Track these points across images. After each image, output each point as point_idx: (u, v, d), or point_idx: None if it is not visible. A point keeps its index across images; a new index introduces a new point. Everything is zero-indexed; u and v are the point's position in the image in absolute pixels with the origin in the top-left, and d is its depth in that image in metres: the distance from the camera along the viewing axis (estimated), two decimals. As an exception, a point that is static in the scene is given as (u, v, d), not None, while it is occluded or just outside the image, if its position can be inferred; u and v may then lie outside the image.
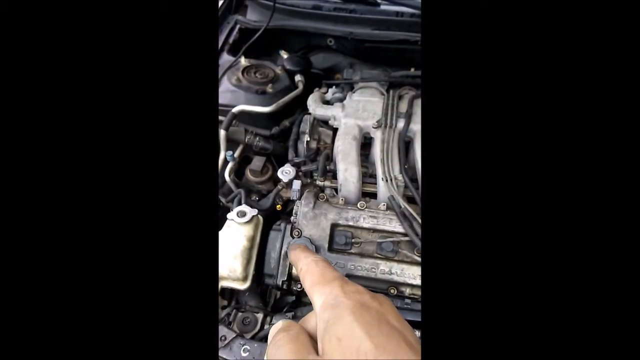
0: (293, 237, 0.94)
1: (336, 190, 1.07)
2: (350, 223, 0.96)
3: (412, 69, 1.33)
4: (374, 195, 1.05)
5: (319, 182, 1.09)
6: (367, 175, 1.09)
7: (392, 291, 0.91)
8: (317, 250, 0.92)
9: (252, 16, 1.50)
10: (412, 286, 0.90)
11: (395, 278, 0.90)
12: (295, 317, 0.84)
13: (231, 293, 0.98)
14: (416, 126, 1.08)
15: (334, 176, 1.08)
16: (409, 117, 1.08)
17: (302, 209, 0.98)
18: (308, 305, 0.94)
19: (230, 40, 1.42)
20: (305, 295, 0.98)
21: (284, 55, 1.40)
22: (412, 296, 0.92)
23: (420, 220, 0.90)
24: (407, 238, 0.91)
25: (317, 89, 1.30)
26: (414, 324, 0.89)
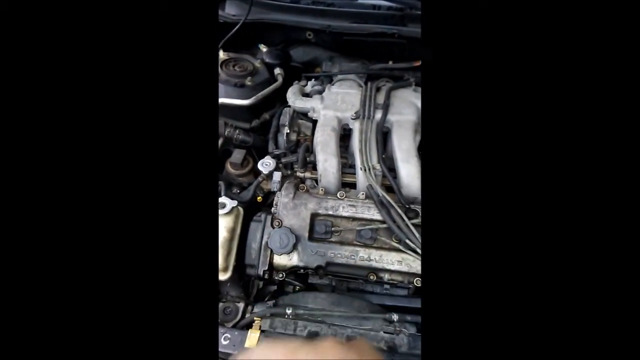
0: (273, 227, 0.95)
1: (316, 181, 1.08)
2: (330, 212, 0.98)
3: (390, 62, 1.36)
4: (353, 185, 1.07)
5: (299, 174, 1.11)
6: (347, 166, 1.11)
7: (371, 277, 0.94)
8: (297, 239, 0.94)
9: (230, 10, 1.49)
10: (391, 272, 0.93)
11: (374, 264, 0.92)
12: (276, 306, 0.85)
13: (213, 285, 0.98)
14: (393, 117, 1.10)
15: (314, 167, 1.10)
16: (386, 108, 1.10)
17: (282, 200, 0.99)
18: (290, 294, 0.96)
19: (209, 33, 1.41)
20: (287, 284, 1.00)
21: (263, 48, 1.40)
22: (390, 281, 0.94)
23: (397, 208, 0.93)
24: (385, 225, 0.93)
25: (296, 82, 1.31)
26: (393, 309, 0.91)
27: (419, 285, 0.91)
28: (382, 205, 0.95)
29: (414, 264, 0.91)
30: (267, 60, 1.34)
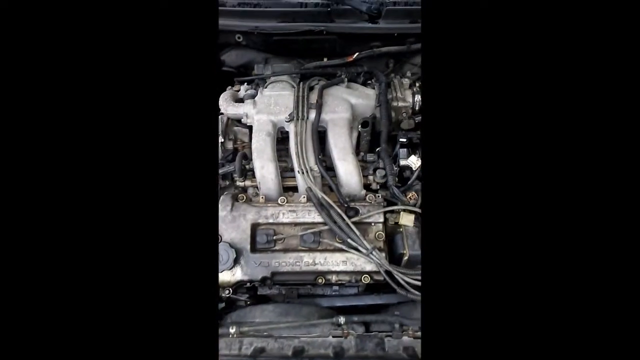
0: (213, 244, 0.91)
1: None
2: (270, 220, 0.95)
3: (325, 59, 1.34)
4: (297, 189, 1.05)
5: (239, 183, 1.07)
6: (288, 170, 1.09)
7: (319, 281, 0.93)
8: (239, 252, 0.90)
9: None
10: (337, 272, 0.92)
11: (320, 267, 0.91)
12: (219, 326, 0.81)
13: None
14: (327, 116, 1.09)
15: (255, 175, 1.06)
16: (319, 107, 1.08)
17: (220, 213, 0.95)
18: (238, 310, 0.92)
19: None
20: (236, 300, 0.96)
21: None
22: (339, 282, 0.94)
23: (337, 209, 0.92)
24: (327, 227, 0.92)
25: (229, 87, 1.26)
26: (343, 310, 0.90)
27: (367, 282, 0.91)
28: (321, 207, 0.94)
29: (358, 262, 0.91)
30: (196, 67, 1.28)
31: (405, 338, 0.78)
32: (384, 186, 1.05)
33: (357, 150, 1.11)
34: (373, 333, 0.79)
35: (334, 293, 0.96)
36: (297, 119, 1.07)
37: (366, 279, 0.91)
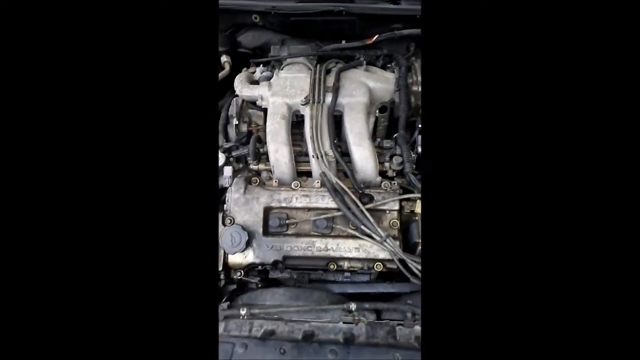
0: (225, 225, 0.91)
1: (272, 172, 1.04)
2: (284, 204, 0.94)
3: (344, 41, 1.30)
4: (311, 174, 1.04)
5: (252, 166, 1.06)
6: (302, 154, 1.07)
7: (331, 267, 0.92)
8: (251, 235, 0.90)
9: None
10: (350, 259, 0.91)
11: (332, 253, 0.90)
12: (231, 307, 0.82)
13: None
14: (344, 100, 1.06)
15: (269, 159, 1.05)
16: (336, 90, 1.05)
17: (233, 196, 0.94)
18: (249, 292, 0.93)
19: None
20: (247, 282, 0.97)
21: (209, 36, 1.32)
22: (351, 269, 0.92)
23: (351, 195, 0.90)
24: (340, 213, 0.91)
25: (245, 69, 1.24)
26: (354, 297, 0.89)
27: (379, 269, 0.90)
28: (335, 192, 0.92)
29: (371, 249, 0.89)
30: (213, 48, 1.26)
31: (417, 327, 0.77)
32: (400, 173, 1.02)
33: (374, 135, 1.08)
34: (384, 321, 0.78)
35: (345, 279, 0.95)
36: (313, 102, 1.04)
37: (379, 267, 0.89)
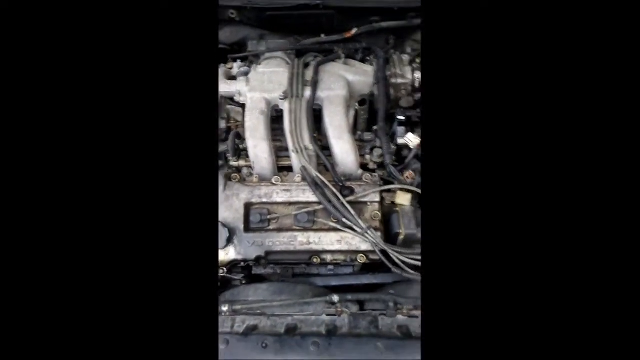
0: (206, 223, 0.90)
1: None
2: (264, 200, 0.94)
3: (323, 36, 1.30)
4: (292, 169, 1.03)
5: (232, 163, 1.05)
6: (283, 149, 1.06)
7: (315, 260, 0.92)
8: (232, 232, 0.89)
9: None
10: (332, 252, 0.91)
11: (314, 247, 0.90)
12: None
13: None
14: (323, 93, 1.06)
15: (249, 154, 1.04)
16: (314, 84, 1.05)
17: (213, 193, 0.93)
18: (232, 288, 0.92)
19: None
20: (230, 279, 0.96)
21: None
22: (334, 262, 0.93)
23: (332, 188, 0.90)
24: (322, 206, 0.91)
25: (222, 64, 1.22)
26: (338, 289, 0.90)
27: (363, 261, 0.90)
28: (316, 186, 0.92)
29: (353, 241, 0.89)
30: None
31: (399, 317, 0.77)
32: (381, 165, 1.03)
33: (354, 129, 1.08)
34: (367, 311, 0.79)
35: (329, 272, 0.95)
36: (292, 97, 1.04)
37: (362, 259, 0.90)
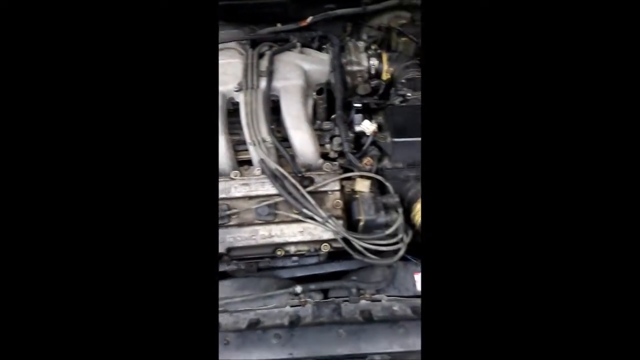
0: (162, 223, 0.87)
1: (211, 164, 1.00)
2: (223, 195, 0.91)
3: (278, 24, 1.27)
4: (252, 162, 1.01)
5: (190, 160, 1.02)
6: (241, 143, 1.04)
7: (279, 253, 0.91)
8: (191, 230, 0.87)
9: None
10: (295, 243, 0.90)
11: (277, 240, 0.89)
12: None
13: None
14: (279, 83, 1.04)
15: (206, 150, 1.01)
16: (269, 74, 1.03)
17: (169, 191, 0.90)
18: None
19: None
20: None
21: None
22: (298, 253, 0.92)
23: (291, 179, 0.89)
24: (282, 198, 0.90)
25: (175, 58, 1.18)
26: (304, 280, 0.89)
27: (327, 250, 0.90)
28: (275, 178, 0.91)
29: (315, 231, 0.89)
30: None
31: (362, 302, 0.78)
32: (342, 154, 1.02)
33: (314, 118, 1.07)
34: (330, 299, 0.79)
35: (294, 264, 0.95)
36: (247, 88, 1.01)
37: (325, 248, 0.90)
